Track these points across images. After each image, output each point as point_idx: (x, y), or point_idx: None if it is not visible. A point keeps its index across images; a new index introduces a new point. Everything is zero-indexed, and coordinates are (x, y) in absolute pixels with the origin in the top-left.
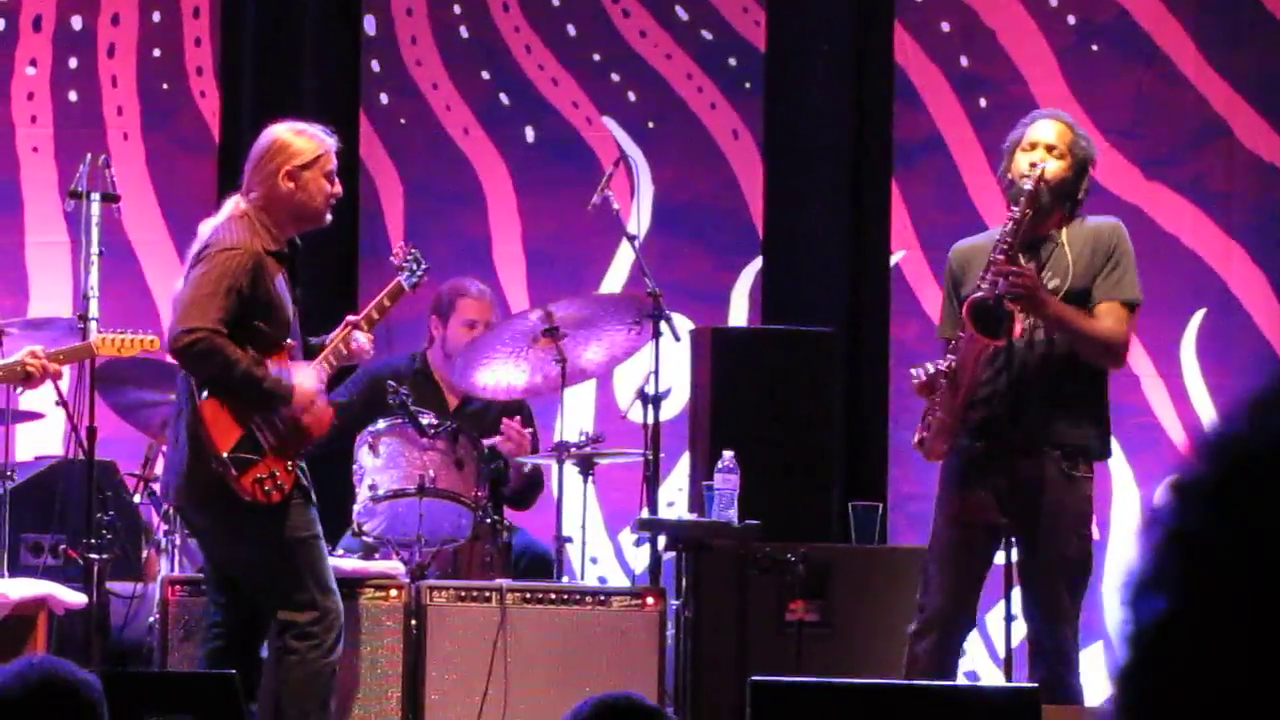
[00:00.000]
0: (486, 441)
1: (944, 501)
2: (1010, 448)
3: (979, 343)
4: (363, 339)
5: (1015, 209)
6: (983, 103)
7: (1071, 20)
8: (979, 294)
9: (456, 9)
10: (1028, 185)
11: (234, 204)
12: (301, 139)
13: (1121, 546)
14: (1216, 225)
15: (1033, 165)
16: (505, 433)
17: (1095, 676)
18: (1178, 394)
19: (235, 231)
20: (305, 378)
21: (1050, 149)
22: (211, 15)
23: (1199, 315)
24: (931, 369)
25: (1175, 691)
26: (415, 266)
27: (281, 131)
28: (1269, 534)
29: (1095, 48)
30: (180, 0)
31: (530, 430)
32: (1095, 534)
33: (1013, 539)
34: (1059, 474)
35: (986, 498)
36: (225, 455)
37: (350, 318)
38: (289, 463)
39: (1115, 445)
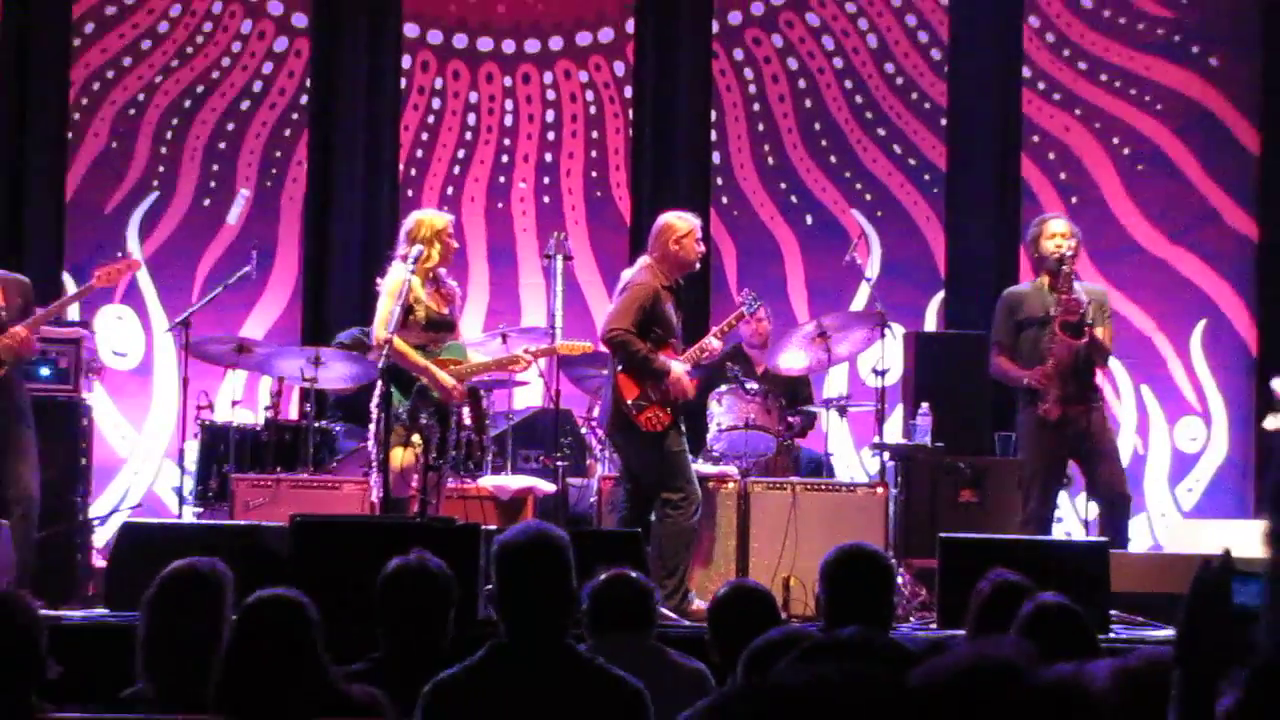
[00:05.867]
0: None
1: (1034, 444)
2: (1077, 404)
3: (1070, 344)
4: (715, 344)
5: (1065, 267)
6: (1073, 200)
7: (1126, 152)
8: (1067, 318)
9: (766, 147)
10: (1069, 253)
11: (643, 260)
12: (680, 220)
13: (1156, 457)
14: (1212, 270)
15: (1058, 246)
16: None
17: (1140, 533)
18: (1189, 369)
19: (643, 275)
20: (677, 366)
21: (1065, 236)
22: (625, 152)
23: (1202, 323)
24: (1047, 366)
25: None
26: (753, 302)
27: (669, 216)
28: None
29: (1140, 167)
30: (607, 144)
31: (813, 413)
32: (1140, 448)
33: (1080, 458)
34: (1101, 416)
35: (1064, 437)
36: (629, 402)
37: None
38: (667, 409)
39: (1151, 395)
